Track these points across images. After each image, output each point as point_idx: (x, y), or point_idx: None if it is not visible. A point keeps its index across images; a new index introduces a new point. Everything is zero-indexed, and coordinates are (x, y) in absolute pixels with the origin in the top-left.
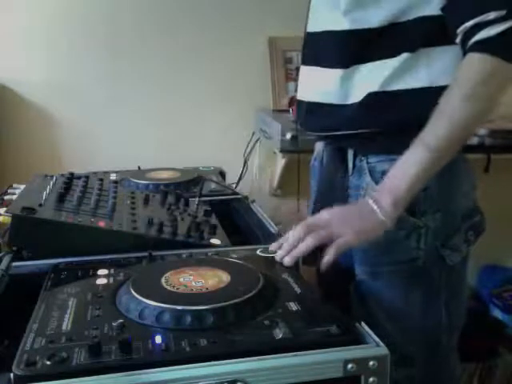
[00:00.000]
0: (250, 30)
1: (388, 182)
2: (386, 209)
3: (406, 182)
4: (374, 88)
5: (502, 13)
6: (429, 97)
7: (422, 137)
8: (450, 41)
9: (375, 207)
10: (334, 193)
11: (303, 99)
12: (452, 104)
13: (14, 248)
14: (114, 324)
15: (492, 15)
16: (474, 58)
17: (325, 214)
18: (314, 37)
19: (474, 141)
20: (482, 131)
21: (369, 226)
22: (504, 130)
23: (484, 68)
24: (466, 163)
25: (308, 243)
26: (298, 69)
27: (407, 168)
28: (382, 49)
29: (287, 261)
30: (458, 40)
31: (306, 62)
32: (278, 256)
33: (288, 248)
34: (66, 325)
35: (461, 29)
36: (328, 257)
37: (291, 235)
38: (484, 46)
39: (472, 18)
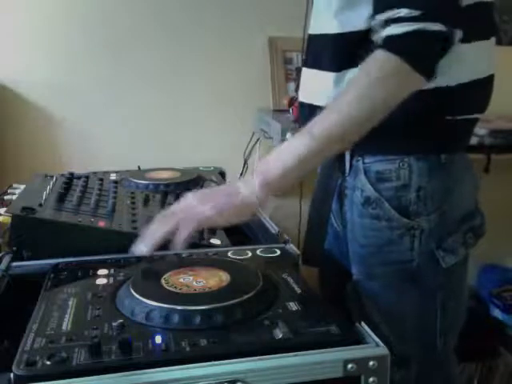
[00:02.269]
0: (249, 30)
1: (264, 163)
2: (253, 188)
3: (279, 166)
4: None
5: (415, 12)
6: (418, 98)
7: (310, 125)
8: None
9: (243, 185)
10: (331, 193)
11: (304, 101)
12: (345, 98)
13: (14, 248)
14: (113, 324)
15: (403, 12)
16: (378, 54)
17: (188, 196)
18: (314, 39)
19: (474, 141)
20: (482, 131)
21: (232, 202)
22: (504, 130)
23: (384, 66)
24: (467, 163)
25: (164, 228)
26: (297, 69)
27: (285, 152)
28: (369, 52)
29: (144, 250)
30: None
31: (306, 64)
32: (137, 249)
33: (148, 238)
34: (66, 325)
35: (374, 21)
36: (183, 232)
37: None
38: (388, 44)
39: (384, 11)
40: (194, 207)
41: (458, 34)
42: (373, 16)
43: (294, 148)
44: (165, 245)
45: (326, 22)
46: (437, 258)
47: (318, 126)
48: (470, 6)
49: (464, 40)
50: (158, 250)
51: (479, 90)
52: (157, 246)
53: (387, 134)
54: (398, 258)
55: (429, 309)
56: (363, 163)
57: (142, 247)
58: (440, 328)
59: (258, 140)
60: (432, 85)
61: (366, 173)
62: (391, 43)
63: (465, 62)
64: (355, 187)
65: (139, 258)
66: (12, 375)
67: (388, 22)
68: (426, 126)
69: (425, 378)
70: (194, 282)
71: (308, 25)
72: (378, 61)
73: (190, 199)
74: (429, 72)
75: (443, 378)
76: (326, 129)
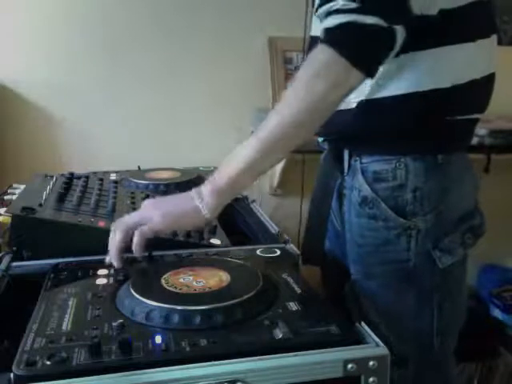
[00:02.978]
0: (249, 30)
1: (216, 171)
2: (203, 196)
3: (228, 172)
4: (362, 97)
5: (351, 4)
6: (413, 102)
7: (258, 129)
8: (431, 44)
9: (194, 194)
10: (330, 191)
11: None
12: (286, 96)
13: (14, 248)
14: (113, 324)
15: (339, 4)
16: (317, 48)
17: (144, 203)
18: (315, 41)
19: (474, 141)
20: (482, 131)
21: (181, 210)
22: (504, 130)
23: (321, 59)
24: (467, 164)
25: (116, 238)
26: (297, 69)
27: (234, 159)
28: None
29: (114, 264)
30: None
31: None
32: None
33: (110, 252)
34: (66, 325)
35: (318, 15)
36: (134, 240)
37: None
38: (325, 36)
39: (325, 4)
40: (142, 214)
41: (401, 30)
42: (317, 10)
43: (242, 154)
44: (164, 245)
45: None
46: (433, 258)
47: (262, 128)
48: (465, 6)
49: (463, 39)
50: (157, 250)
51: (479, 90)
52: (120, 256)
53: (384, 134)
54: (395, 258)
55: (425, 309)
56: (361, 163)
57: (111, 261)
58: (437, 328)
59: None
60: (430, 85)
61: (363, 173)
62: (327, 35)
63: (463, 61)
64: (353, 187)
65: (139, 258)
66: (12, 375)
67: (327, 14)
68: (423, 126)
69: (422, 378)
70: (194, 282)
71: (308, 25)
72: (317, 54)
73: (143, 205)
74: (364, 65)
75: (441, 379)
76: (268, 131)
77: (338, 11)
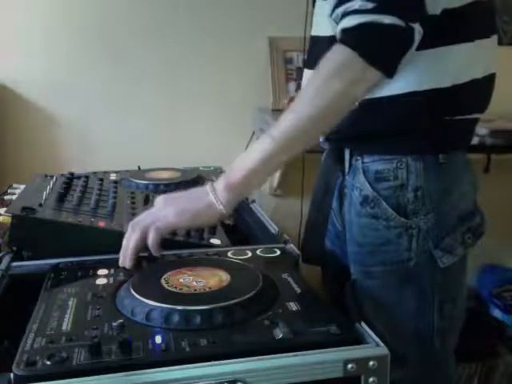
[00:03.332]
0: (249, 30)
1: (230, 168)
2: (218, 192)
3: (241, 169)
4: None
5: (369, 5)
6: (414, 101)
7: (272, 127)
8: (431, 44)
9: (208, 189)
10: (331, 190)
11: None
12: (301, 95)
13: (14, 248)
14: (113, 324)
15: (357, 5)
16: (334, 48)
17: (157, 200)
18: (315, 41)
19: (474, 141)
20: (482, 131)
21: (196, 206)
22: (504, 130)
23: (338, 59)
24: (467, 163)
25: (133, 237)
26: (298, 69)
27: (248, 156)
28: None
29: (126, 264)
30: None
31: (308, 65)
32: (120, 263)
33: (124, 252)
34: (66, 325)
35: (333, 16)
36: (150, 237)
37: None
38: (342, 36)
39: (342, 4)
40: (157, 212)
41: (418, 29)
42: (333, 10)
43: (256, 151)
44: (164, 245)
45: (326, 24)
46: (434, 257)
47: (277, 127)
48: (466, 6)
49: (463, 39)
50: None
51: (479, 90)
52: (135, 256)
53: (384, 133)
54: (396, 258)
55: (426, 309)
56: (362, 163)
57: (123, 263)
58: (437, 328)
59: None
60: (430, 85)
61: (364, 172)
62: (345, 36)
63: (464, 61)
64: (354, 186)
65: (139, 258)
66: (12, 375)
67: (344, 15)
68: (423, 126)
69: (422, 377)
70: (194, 282)
71: (308, 25)
72: (333, 54)
73: (156, 203)
74: (382, 65)
75: (441, 378)
76: (283, 130)
77: (355, 12)
